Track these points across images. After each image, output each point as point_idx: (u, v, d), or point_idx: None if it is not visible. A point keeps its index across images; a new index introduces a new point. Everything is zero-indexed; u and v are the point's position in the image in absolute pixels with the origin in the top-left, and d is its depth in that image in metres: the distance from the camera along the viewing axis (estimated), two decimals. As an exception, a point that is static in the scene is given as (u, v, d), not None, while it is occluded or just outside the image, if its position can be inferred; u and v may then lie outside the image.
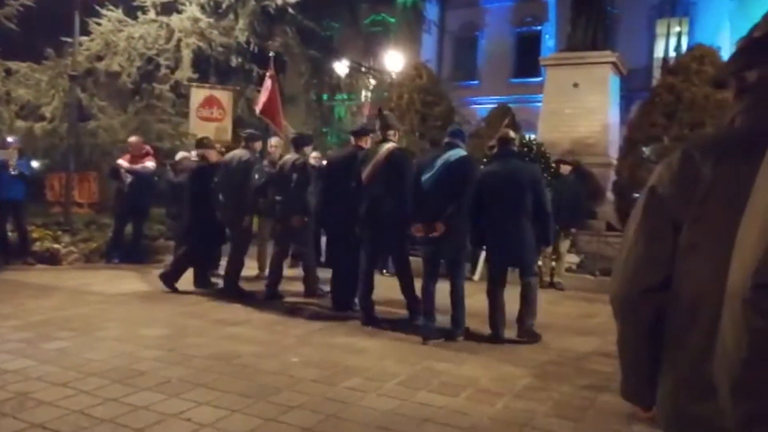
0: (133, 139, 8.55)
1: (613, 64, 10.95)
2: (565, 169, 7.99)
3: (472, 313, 4.95)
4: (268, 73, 8.60)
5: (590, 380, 3.94)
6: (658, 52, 20.67)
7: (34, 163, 10.13)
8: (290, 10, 12.03)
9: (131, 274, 7.34)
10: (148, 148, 8.56)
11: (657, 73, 17.19)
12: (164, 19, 11.48)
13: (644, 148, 9.26)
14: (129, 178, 8.03)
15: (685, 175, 1.09)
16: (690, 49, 10.75)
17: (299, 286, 6.42)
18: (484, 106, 17.29)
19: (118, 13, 11.36)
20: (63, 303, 5.62)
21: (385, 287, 5.80)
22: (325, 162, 7.25)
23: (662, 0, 21.59)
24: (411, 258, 5.42)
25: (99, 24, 11.22)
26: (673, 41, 18.76)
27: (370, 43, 17.92)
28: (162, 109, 11.32)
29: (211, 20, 11.66)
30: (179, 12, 11.48)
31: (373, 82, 16.09)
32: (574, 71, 10.82)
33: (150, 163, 8.22)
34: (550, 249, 7.08)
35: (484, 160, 6.99)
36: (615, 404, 3.31)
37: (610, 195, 9.97)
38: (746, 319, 0.75)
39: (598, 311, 6.05)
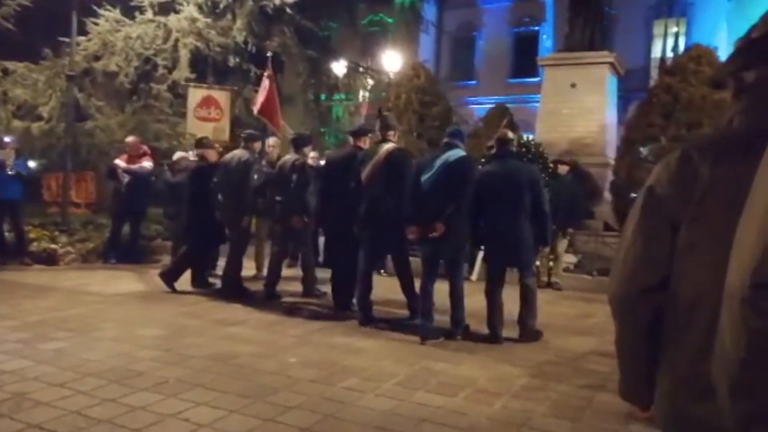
0: (130, 139, 8.54)
1: (611, 64, 10.97)
2: (563, 169, 8.00)
3: (470, 313, 4.96)
4: (266, 73, 8.59)
5: (588, 380, 3.95)
6: (656, 52, 20.77)
7: (31, 163, 10.10)
8: (288, 10, 12.03)
9: (128, 275, 7.34)
10: (145, 148, 8.55)
11: (654, 74, 17.25)
12: (162, 19, 11.46)
13: (642, 148, 9.29)
14: (126, 178, 8.02)
15: (683, 175, 1.09)
16: (687, 49, 10.79)
17: (297, 286, 6.43)
18: (482, 106, 17.31)
19: (115, 13, 11.34)
20: (60, 303, 5.61)
21: (383, 287, 5.81)
22: (322, 162, 7.25)
23: (659, 0, 21.65)
24: (410, 258, 5.43)
25: (96, 24, 11.20)
26: (670, 42, 18.83)
27: (368, 43, 17.95)
28: (159, 109, 11.32)
29: (209, 20, 11.64)
30: (177, 12, 11.46)
31: (370, 82, 16.10)
32: (572, 71, 10.84)
33: (147, 163, 8.21)
34: (547, 249, 7.09)
35: (482, 160, 7.00)
36: (613, 404, 3.31)
37: (607, 195, 9.99)
38: (744, 319, 0.75)
39: (595, 311, 6.06)
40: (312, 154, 7.21)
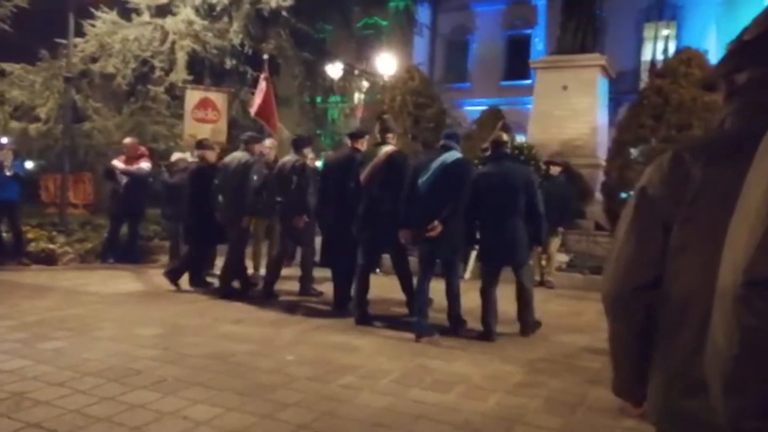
0: (128, 140, 8.57)
1: (602, 66, 11.05)
2: (555, 170, 8.08)
3: (464, 311, 5.04)
4: (262, 76, 8.64)
5: (580, 376, 4.00)
6: (646, 55, 20.92)
7: (29, 164, 10.12)
8: (284, 13, 12.07)
9: (127, 275, 7.36)
10: (143, 149, 8.58)
11: (645, 76, 17.41)
12: (159, 21, 11.49)
13: (632, 150, 9.36)
14: (124, 180, 8.05)
15: (675, 176, 1.11)
16: (677, 52, 10.87)
17: (294, 285, 6.47)
18: (475, 108, 17.40)
19: (112, 15, 11.36)
20: (59, 303, 5.63)
21: (379, 286, 5.86)
22: (318, 163, 7.31)
23: (650, 4, 21.80)
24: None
25: (93, 26, 11.22)
26: (660, 44, 18.99)
27: (363, 45, 17.99)
28: (157, 111, 11.35)
29: (206, 23, 11.67)
30: (173, 14, 11.49)
31: (365, 84, 16.16)
32: (564, 74, 10.91)
33: (145, 165, 8.25)
34: (540, 248, 7.17)
35: (476, 161, 7.07)
36: (605, 400, 3.35)
37: (598, 195, 10.07)
38: (738, 317, 0.75)
39: (587, 309, 6.14)
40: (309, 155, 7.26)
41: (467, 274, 7.38)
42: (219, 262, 6.89)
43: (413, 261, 5.36)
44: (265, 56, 9.21)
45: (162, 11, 11.53)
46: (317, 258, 6.45)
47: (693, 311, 1.06)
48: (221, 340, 4.54)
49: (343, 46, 16.80)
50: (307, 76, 14.31)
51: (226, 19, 12.00)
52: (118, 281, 6.92)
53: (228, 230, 6.26)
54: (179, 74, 11.22)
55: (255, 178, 6.06)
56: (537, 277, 7.48)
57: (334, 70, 15.07)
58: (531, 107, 11.71)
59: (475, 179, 4.93)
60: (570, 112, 10.74)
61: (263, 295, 6.15)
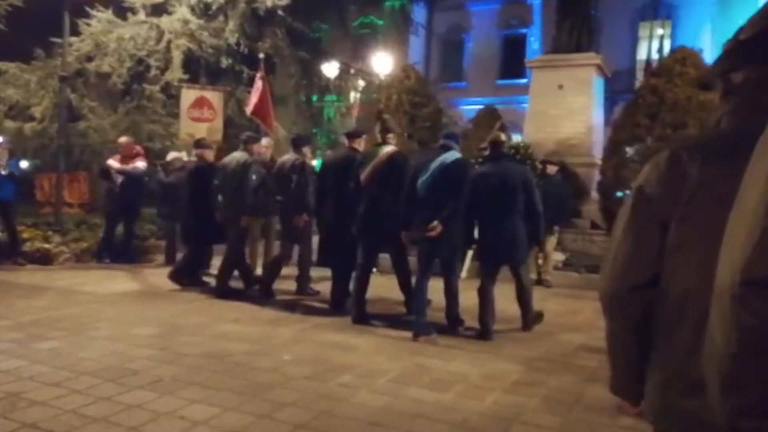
0: (123, 139, 8.54)
1: (597, 66, 11.09)
2: (552, 169, 8.10)
3: (462, 310, 5.04)
4: (258, 75, 8.63)
5: (578, 375, 4.01)
6: (641, 54, 21.02)
7: (23, 164, 10.08)
8: (280, 12, 12.05)
9: (122, 274, 7.34)
10: (138, 148, 8.56)
11: (640, 75, 17.48)
12: (154, 20, 11.46)
13: (628, 149, 9.40)
14: (120, 179, 8.02)
15: (672, 175, 1.11)
16: (672, 51, 10.94)
17: (291, 285, 6.47)
18: (471, 107, 17.43)
19: (107, 14, 11.32)
20: (54, 303, 5.61)
21: (376, 285, 5.86)
22: (314, 162, 7.31)
23: (645, 3, 21.89)
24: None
25: (89, 25, 11.19)
26: (655, 44, 19.09)
27: (359, 45, 18.01)
28: (152, 110, 11.32)
29: (201, 22, 11.65)
30: (169, 13, 11.47)
31: (361, 83, 16.15)
32: (559, 73, 10.95)
33: (141, 164, 8.22)
34: (536, 247, 7.19)
35: (472, 161, 7.08)
36: (603, 398, 3.34)
37: (594, 194, 10.10)
38: (735, 316, 0.75)
39: (584, 307, 6.16)
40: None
41: (464, 273, 7.39)
42: (216, 262, 6.87)
43: (412, 260, 5.36)
44: (261, 55, 9.21)
45: (157, 10, 11.50)
46: (314, 257, 6.45)
47: (691, 310, 1.06)
48: (218, 340, 4.54)
49: (339, 45, 16.80)
50: (303, 75, 14.29)
51: (221, 18, 11.98)
52: (114, 281, 6.90)
53: (227, 230, 6.26)
54: (175, 73, 11.20)
55: (254, 177, 6.07)
56: (534, 276, 7.51)
57: (330, 69, 15.06)
58: (527, 106, 11.75)
59: (474, 179, 4.95)
60: (565, 111, 10.78)
61: (261, 295, 6.14)
